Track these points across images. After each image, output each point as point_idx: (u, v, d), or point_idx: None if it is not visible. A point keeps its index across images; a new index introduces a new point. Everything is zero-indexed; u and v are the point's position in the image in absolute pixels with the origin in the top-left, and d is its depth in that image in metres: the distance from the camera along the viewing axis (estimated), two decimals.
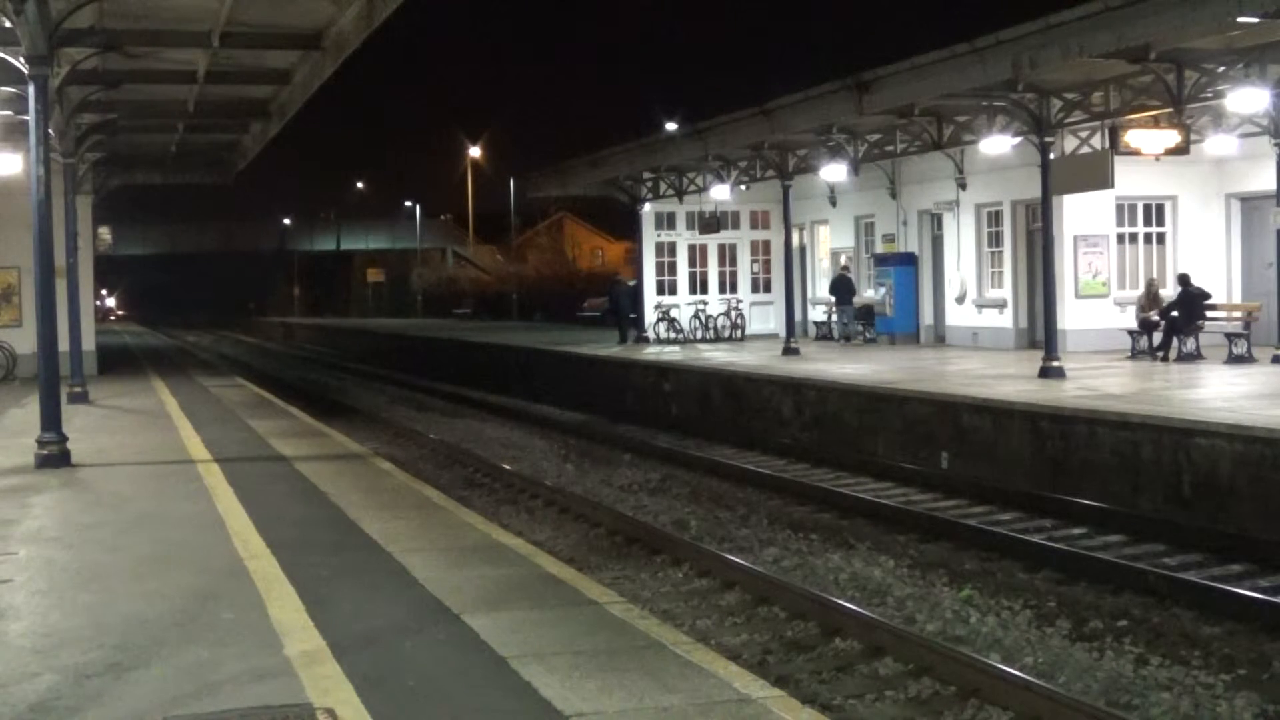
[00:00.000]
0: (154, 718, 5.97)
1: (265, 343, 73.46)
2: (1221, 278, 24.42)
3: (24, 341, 27.12)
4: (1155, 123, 19.47)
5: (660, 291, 34.26)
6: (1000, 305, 26.71)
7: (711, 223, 32.85)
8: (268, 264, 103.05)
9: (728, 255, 34.66)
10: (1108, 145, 20.00)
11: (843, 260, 31.78)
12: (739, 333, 33.48)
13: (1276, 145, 19.62)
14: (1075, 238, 24.53)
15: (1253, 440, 12.83)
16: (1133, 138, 19.32)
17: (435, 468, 19.20)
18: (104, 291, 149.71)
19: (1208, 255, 24.56)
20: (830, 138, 25.17)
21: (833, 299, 30.93)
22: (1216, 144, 22.46)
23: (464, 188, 76.33)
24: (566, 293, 60.45)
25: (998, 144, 22.23)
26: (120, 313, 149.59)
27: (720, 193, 30.81)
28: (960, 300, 27.84)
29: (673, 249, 34.51)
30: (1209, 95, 17.95)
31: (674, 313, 33.69)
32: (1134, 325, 22.91)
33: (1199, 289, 21.70)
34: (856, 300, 30.58)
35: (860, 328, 30.29)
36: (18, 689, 6.43)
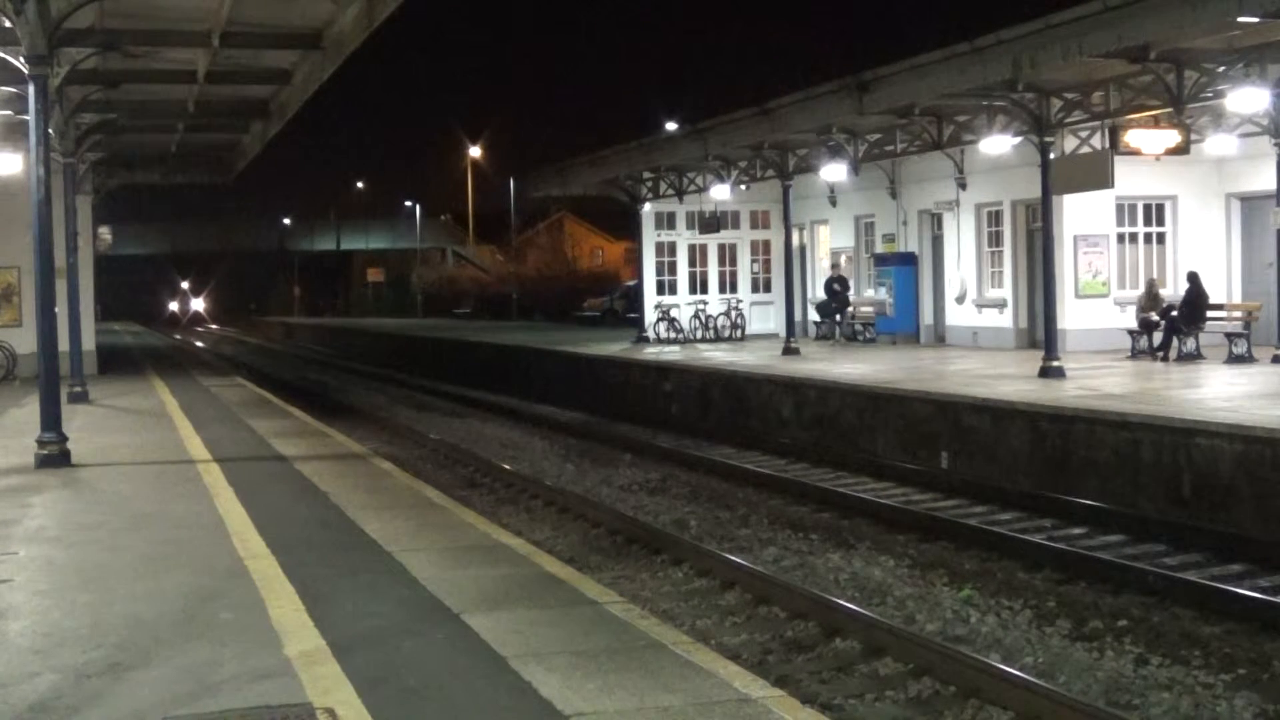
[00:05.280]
0: (154, 718, 5.97)
1: (266, 342, 73.43)
2: (1221, 278, 24.41)
3: (24, 341, 27.12)
4: (1155, 123, 19.47)
5: (660, 291, 34.27)
6: (1000, 305, 26.71)
7: (711, 223, 32.85)
8: (268, 264, 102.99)
9: (728, 255, 34.66)
10: (1108, 145, 20.00)
11: (842, 260, 31.75)
12: (739, 333, 33.47)
13: (1276, 145, 19.62)
14: (1075, 238, 24.52)
15: (1253, 440, 12.83)
16: (1133, 137, 19.31)
17: (435, 468, 19.20)
18: (184, 285, 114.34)
19: (1208, 255, 24.54)
20: (830, 138, 25.15)
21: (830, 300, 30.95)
22: (1216, 144, 22.46)
23: (464, 188, 76.44)
24: (566, 293, 60.47)
25: (998, 144, 22.22)
26: (210, 321, 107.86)
27: (720, 193, 30.80)
28: (960, 300, 27.83)
29: (673, 249, 34.50)
30: (1209, 95, 17.94)
31: (674, 313, 33.70)
32: (1134, 325, 22.91)
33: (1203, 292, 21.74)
34: (854, 300, 30.64)
35: (861, 328, 30.24)
36: (18, 689, 6.43)
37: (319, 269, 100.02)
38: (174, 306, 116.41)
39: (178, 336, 74.68)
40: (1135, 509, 13.87)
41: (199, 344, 67.07)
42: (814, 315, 32.69)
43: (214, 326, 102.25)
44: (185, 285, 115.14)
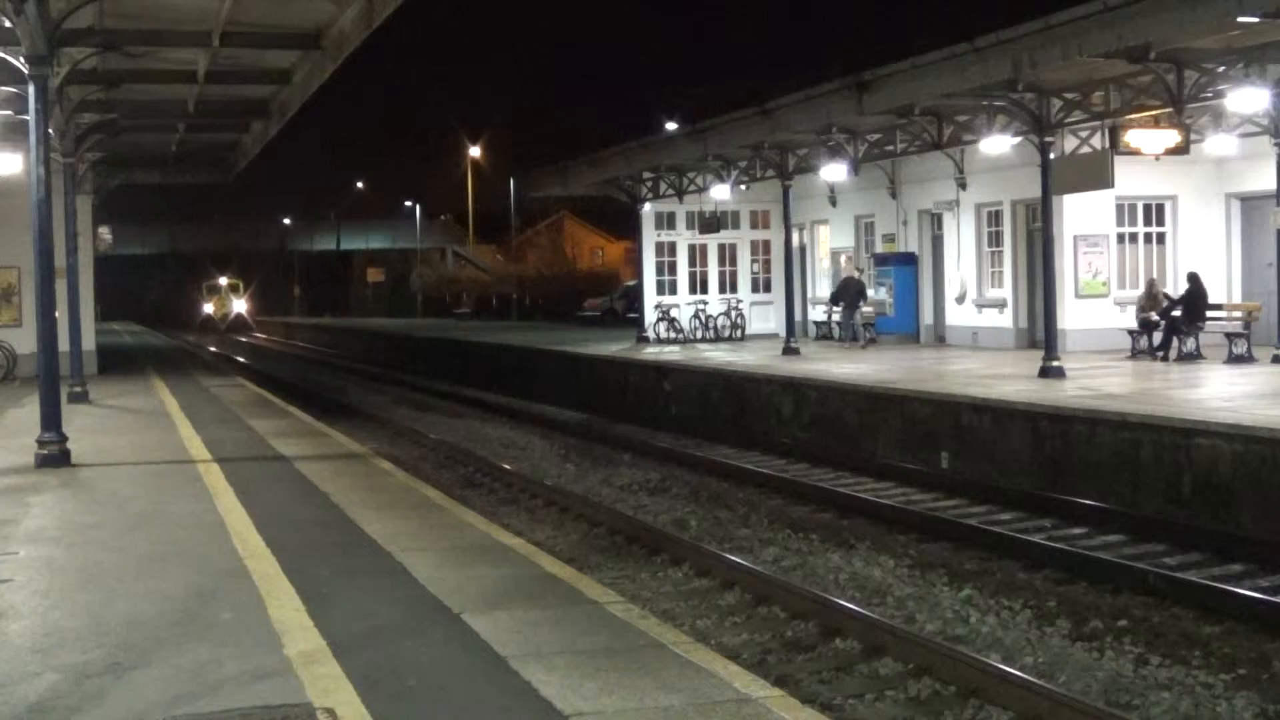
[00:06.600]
0: (154, 718, 5.97)
1: (266, 342, 73.37)
2: (1221, 278, 24.42)
3: (24, 341, 27.11)
4: (1155, 122, 19.48)
5: (660, 291, 34.27)
6: (1000, 305, 26.71)
7: (711, 222, 32.85)
8: (268, 264, 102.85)
9: (728, 255, 34.66)
10: (1108, 145, 20.02)
11: (843, 260, 31.74)
12: (739, 333, 33.47)
13: (1276, 145, 19.62)
14: (1075, 237, 24.53)
15: (1253, 440, 12.83)
16: (1133, 137, 19.32)
17: (435, 467, 19.20)
18: (222, 282, 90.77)
19: (1208, 255, 24.55)
20: (830, 137, 25.16)
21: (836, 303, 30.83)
22: (1216, 144, 22.45)
23: (464, 188, 76.41)
24: (566, 293, 60.48)
25: (998, 144, 22.22)
26: (256, 331, 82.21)
27: (720, 192, 30.80)
28: (960, 300, 27.83)
29: (673, 249, 34.50)
30: (1209, 95, 17.95)
31: (674, 313, 33.70)
32: (1134, 325, 22.91)
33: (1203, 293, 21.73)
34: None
35: (864, 329, 30.15)
36: (18, 689, 6.43)
37: (319, 269, 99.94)
38: (209, 309, 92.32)
39: (215, 350, 57.94)
40: (1135, 509, 13.86)
41: (239, 357, 51.55)
42: (814, 315, 32.63)
43: (260, 336, 78.26)
44: (224, 281, 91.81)
